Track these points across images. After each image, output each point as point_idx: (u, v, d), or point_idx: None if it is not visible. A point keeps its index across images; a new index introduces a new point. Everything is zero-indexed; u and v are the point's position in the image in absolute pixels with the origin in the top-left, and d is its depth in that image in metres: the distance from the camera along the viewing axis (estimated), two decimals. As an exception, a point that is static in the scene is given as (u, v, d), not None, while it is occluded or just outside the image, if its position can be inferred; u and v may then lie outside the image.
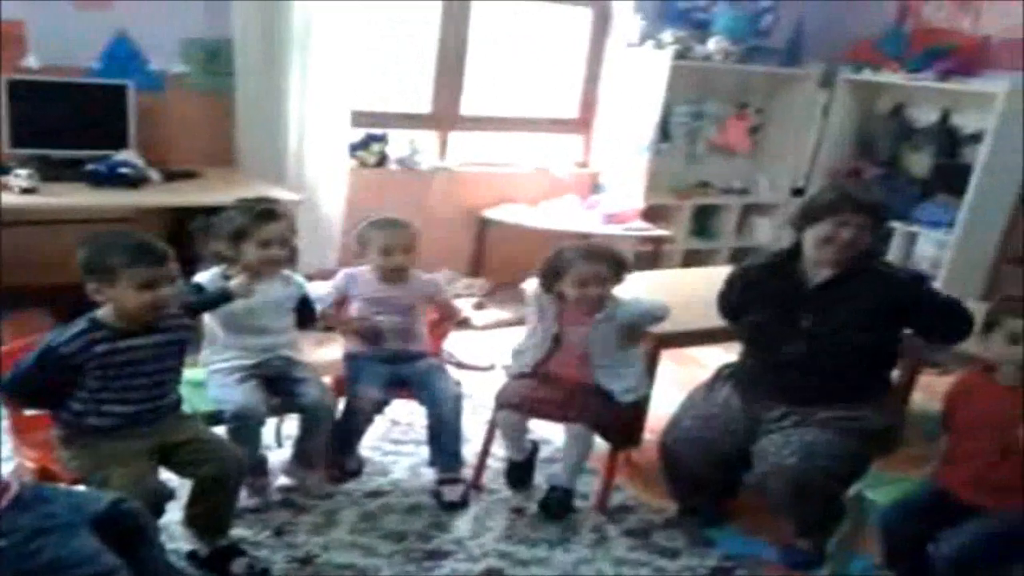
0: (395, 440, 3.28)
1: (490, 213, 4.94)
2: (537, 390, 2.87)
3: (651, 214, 5.05)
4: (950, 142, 5.14)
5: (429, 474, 3.02)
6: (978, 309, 2.56)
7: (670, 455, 2.85)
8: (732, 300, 2.84)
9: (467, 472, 3.01)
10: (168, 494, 2.28)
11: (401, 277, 2.98)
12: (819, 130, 5.60)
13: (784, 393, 2.65)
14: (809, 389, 2.62)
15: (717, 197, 5.58)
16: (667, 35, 5.00)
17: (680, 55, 4.94)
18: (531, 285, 2.93)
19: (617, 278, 2.83)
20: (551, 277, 2.82)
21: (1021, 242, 4.89)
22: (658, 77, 4.91)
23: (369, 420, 2.95)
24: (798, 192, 5.61)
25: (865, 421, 2.59)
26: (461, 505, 2.87)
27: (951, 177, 4.95)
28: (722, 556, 2.74)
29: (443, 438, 2.93)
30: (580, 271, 2.75)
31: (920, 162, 5.21)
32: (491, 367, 3.91)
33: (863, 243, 2.55)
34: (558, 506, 2.86)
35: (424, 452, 3.06)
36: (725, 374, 2.88)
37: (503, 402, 2.90)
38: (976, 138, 4.98)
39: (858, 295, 2.56)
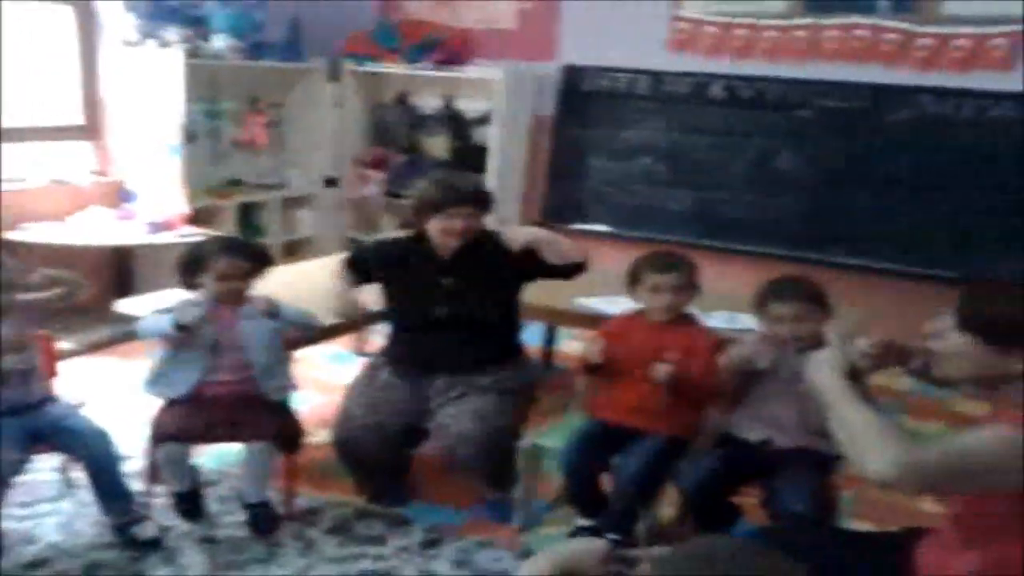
0: (21, 503, 2.92)
1: (11, 235, 4.40)
2: (197, 415, 2.80)
3: (195, 217, 4.96)
4: (459, 125, 5.86)
5: (88, 528, 2.83)
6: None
7: (345, 447, 3.00)
8: (367, 258, 3.12)
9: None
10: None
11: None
12: (337, 121, 5.94)
13: (441, 361, 2.98)
14: (462, 355, 2.96)
15: (254, 194, 5.65)
16: (171, 33, 4.93)
17: (192, 53, 4.92)
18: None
19: (258, 271, 2.89)
20: (191, 271, 2.83)
21: (537, 208, 5.79)
22: (171, 76, 4.85)
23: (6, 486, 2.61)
24: (331, 182, 5.94)
25: (515, 379, 3.03)
26: (158, 541, 2.76)
27: (469, 157, 5.65)
28: (425, 529, 2.97)
29: (107, 480, 2.74)
30: (220, 265, 2.79)
31: (437, 145, 5.86)
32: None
33: (477, 226, 2.93)
34: (266, 521, 2.86)
35: (66, 506, 2.90)
36: (381, 359, 3.12)
37: (162, 435, 2.79)
38: (481, 121, 5.76)
39: (485, 259, 2.94)
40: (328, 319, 3.15)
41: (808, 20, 4.96)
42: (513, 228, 3.05)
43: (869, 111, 4.82)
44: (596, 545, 1.39)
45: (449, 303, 2.95)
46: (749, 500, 2.64)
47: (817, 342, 2.57)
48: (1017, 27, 4.45)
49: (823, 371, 1.79)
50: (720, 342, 2.83)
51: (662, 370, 2.66)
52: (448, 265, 2.96)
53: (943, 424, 4.01)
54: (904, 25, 4.72)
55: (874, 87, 4.81)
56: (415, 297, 3.01)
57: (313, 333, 3.11)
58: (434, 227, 2.90)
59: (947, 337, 1.73)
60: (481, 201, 2.95)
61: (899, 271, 4.83)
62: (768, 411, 2.67)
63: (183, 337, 2.76)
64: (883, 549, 1.94)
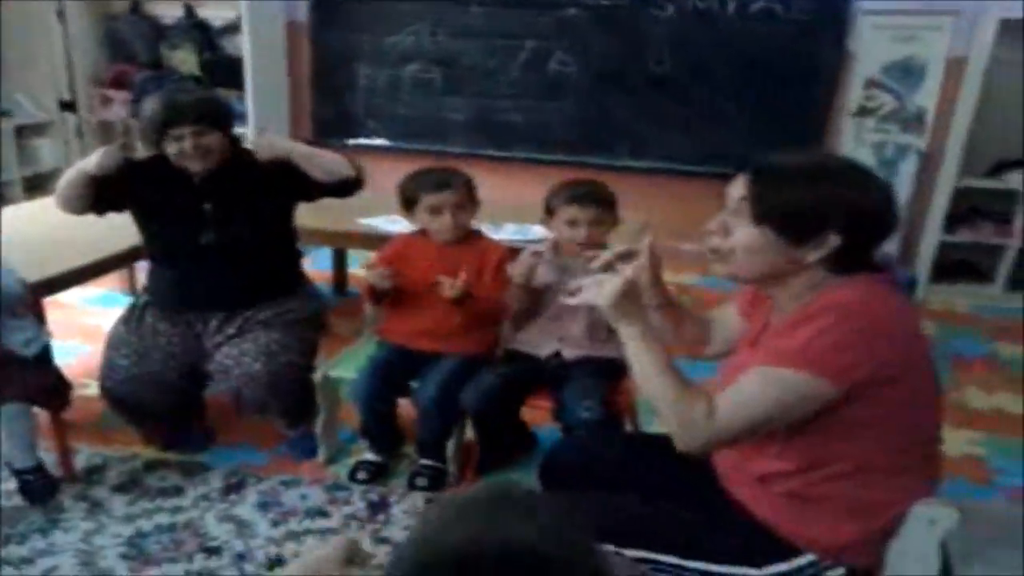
0: None
1: None
2: None
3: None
4: (206, 36, 5.51)
5: None
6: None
7: (118, 400, 2.84)
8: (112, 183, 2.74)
9: None
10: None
11: None
12: (62, 36, 5.43)
13: (214, 296, 2.83)
14: (237, 287, 2.83)
15: (-25, 125, 5.10)
16: None
17: None
18: None
19: None
20: None
21: (306, 125, 5.58)
22: None
23: None
24: (67, 105, 5.45)
25: (300, 311, 2.93)
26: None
27: (222, 71, 5.35)
28: (226, 474, 2.88)
29: None
30: None
31: (185, 59, 5.48)
32: None
33: (211, 144, 2.68)
34: (41, 486, 2.69)
35: None
36: (143, 301, 2.93)
37: None
38: (229, 29, 5.44)
39: (245, 180, 2.79)
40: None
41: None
42: (264, 139, 2.85)
43: (634, 8, 4.94)
44: (334, 546, 1.35)
45: (215, 230, 2.77)
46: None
47: (602, 246, 2.67)
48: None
49: (621, 325, 1.74)
50: (509, 254, 2.82)
51: (448, 285, 2.61)
52: (206, 189, 2.76)
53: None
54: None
55: (636, -19, 4.91)
56: (175, 226, 2.79)
57: (18, 300, 2.70)
58: (169, 150, 2.67)
59: (736, 231, 1.69)
60: (207, 116, 2.70)
61: (675, 169, 5.08)
62: (556, 324, 2.73)
63: None
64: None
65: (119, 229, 2.96)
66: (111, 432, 3.04)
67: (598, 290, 1.74)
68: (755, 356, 1.69)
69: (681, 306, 2.06)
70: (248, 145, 2.85)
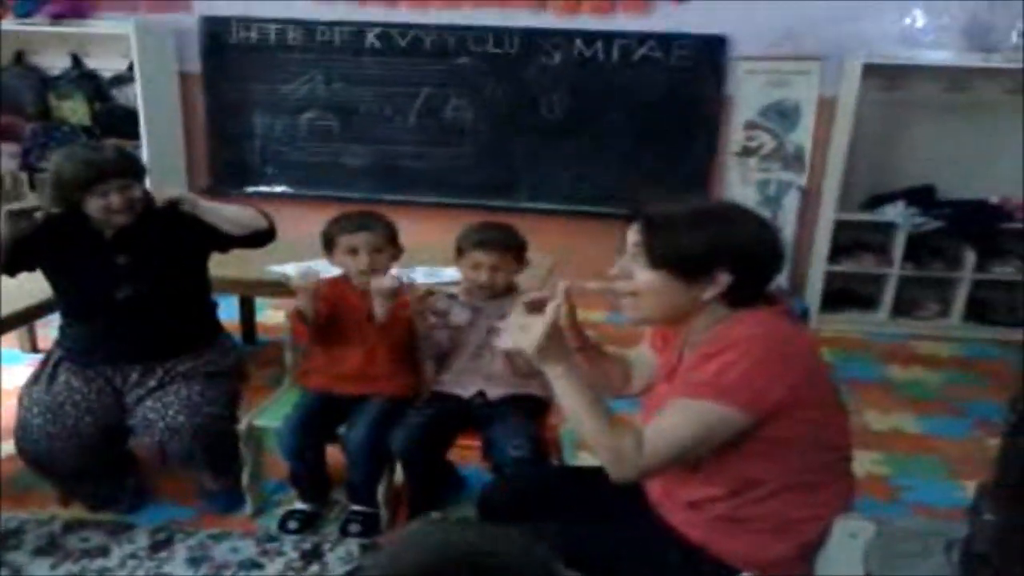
0: None
1: None
2: None
3: None
4: (95, 86, 5.41)
5: None
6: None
7: (36, 460, 2.78)
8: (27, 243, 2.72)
9: None
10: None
11: None
12: (-57, 87, 5.28)
13: (132, 350, 2.81)
14: (156, 340, 2.82)
15: None
16: None
17: None
18: None
19: None
20: None
21: (204, 174, 5.55)
22: None
23: None
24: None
25: (219, 362, 2.94)
26: None
27: (116, 121, 5.27)
28: (151, 531, 2.85)
29: None
30: None
31: (75, 110, 5.37)
32: None
33: (136, 196, 2.70)
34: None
35: None
36: (55, 357, 2.89)
37: None
38: (120, 80, 5.37)
39: (157, 232, 2.78)
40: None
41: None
42: (185, 199, 2.82)
43: (524, 56, 5.11)
44: None
45: (130, 284, 2.76)
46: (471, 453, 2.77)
47: (510, 290, 2.80)
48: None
49: (547, 367, 1.81)
50: (422, 296, 2.85)
51: (381, 282, 2.66)
52: (119, 243, 2.75)
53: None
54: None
55: (523, 31, 5.09)
56: (90, 281, 2.77)
57: None
58: (91, 208, 2.66)
59: (637, 276, 1.80)
60: (131, 169, 2.72)
61: (572, 210, 5.26)
62: (475, 364, 2.81)
63: None
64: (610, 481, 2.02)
65: (18, 287, 2.91)
66: (25, 494, 2.97)
67: (521, 335, 1.81)
68: (672, 389, 1.81)
69: (599, 346, 2.15)
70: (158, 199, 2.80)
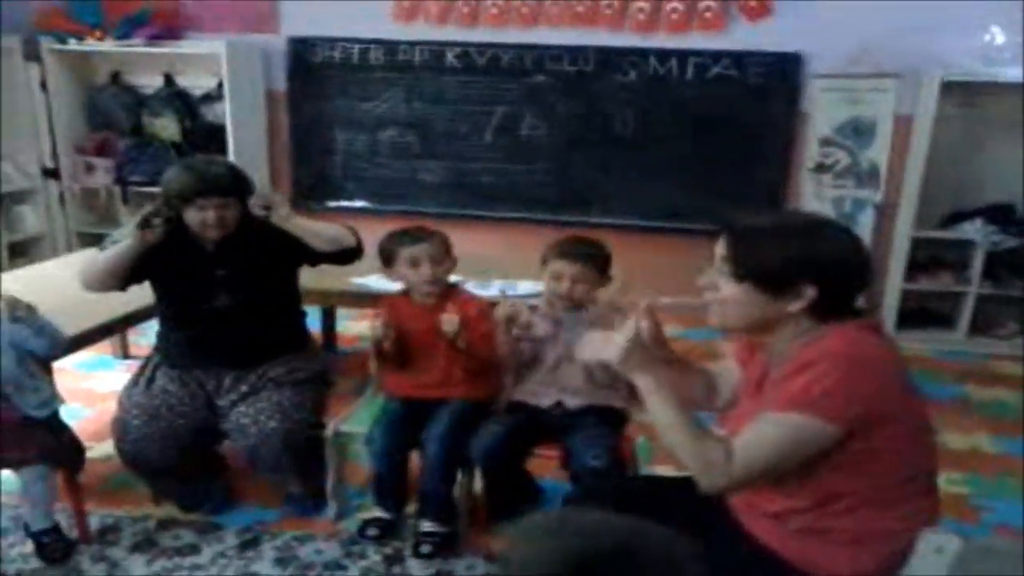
0: None
1: None
2: None
3: None
4: (186, 104, 5.55)
5: None
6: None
7: (133, 460, 2.85)
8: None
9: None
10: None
11: None
12: (45, 106, 5.46)
13: (227, 356, 2.88)
14: (249, 347, 2.89)
15: (-37, 193, 5.12)
16: None
17: None
18: None
19: None
20: None
21: (287, 188, 5.63)
22: None
23: None
24: (50, 173, 5.48)
25: (308, 369, 2.99)
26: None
27: (204, 138, 5.40)
28: (238, 531, 2.90)
29: None
30: None
31: (166, 127, 5.51)
32: None
33: (234, 215, 2.78)
34: (57, 548, 2.72)
35: None
36: (153, 362, 2.96)
37: None
38: (210, 98, 5.51)
39: (254, 246, 2.85)
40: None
41: (530, -13, 5.14)
42: (281, 214, 2.85)
43: (599, 74, 5.11)
44: None
45: (227, 294, 2.84)
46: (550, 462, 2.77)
47: (591, 303, 2.79)
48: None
49: (635, 378, 1.83)
50: (491, 306, 2.87)
51: (446, 321, 2.68)
52: (219, 255, 2.83)
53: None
54: (619, -9, 5.02)
55: (599, 50, 5.09)
56: (191, 291, 2.85)
57: (56, 351, 2.79)
58: (190, 219, 2.74)
59: (722, 288, 1.81)
60: (234, 189, 2.80)
61: (645, 226, 5.22)
62: (555, 376, 2.80)
63: None
64: (690, 491, 2.00)
65: (114, 297, 2.96)
66: (120, 493, 3.04)
67: (603, 347, 1.83)
68: (759, 403, 1.80)
69: (686, 360, 2.14)
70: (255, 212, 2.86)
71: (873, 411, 1.67)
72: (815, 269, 1.73)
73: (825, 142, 4.96)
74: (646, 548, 1.01)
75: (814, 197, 4.99)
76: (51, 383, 2.80)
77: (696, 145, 5.10)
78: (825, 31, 4.81)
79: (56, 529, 2.73)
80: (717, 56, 4.95)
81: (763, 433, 1.72)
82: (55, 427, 2.75)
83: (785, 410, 1.69)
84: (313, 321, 4.27)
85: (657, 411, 1.81)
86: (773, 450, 1.71)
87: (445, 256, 2.85)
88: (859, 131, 4.91)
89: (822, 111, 4.93)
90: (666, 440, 1.81)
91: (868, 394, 1.67)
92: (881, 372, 1.72)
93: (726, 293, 1.81)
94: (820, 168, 4.97)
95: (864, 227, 4.89)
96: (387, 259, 2.86)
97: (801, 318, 1.78)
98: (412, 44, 5.31)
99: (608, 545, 1.00)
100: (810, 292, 1.73)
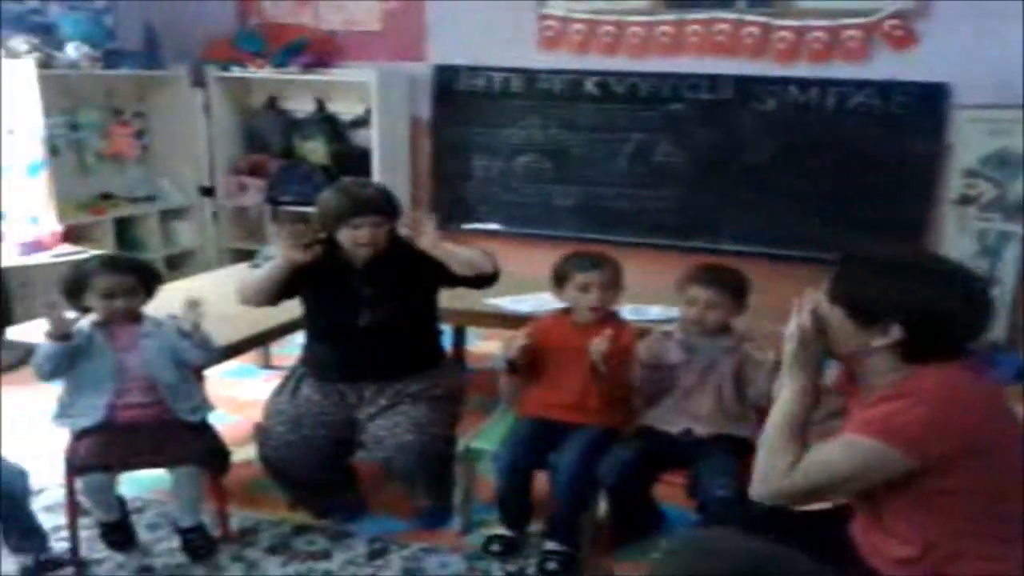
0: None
1: None
2: (114, 442, 2.72)
3: (70, 235, 4.76)
4: (335, 129, 5.77)
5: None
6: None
7: (274, 466, 2.96)
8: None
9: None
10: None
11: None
12: (206, 128, 5.77)
13: (367, 369, 2.96)
14: (390, 363, 2.97)
15: (129, 207, 5.46)
16: (19, 42, 4.70)
17: (44, 63, 4.72)
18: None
19: (144, 287, 2.82)
20: (74, 292, 2.73)
21: (426, 211, 5.73)
22: (24, 89, 4.62)
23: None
24: (207, 191, 5.78)
25: (444, 386, 3.05)
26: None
27: (350, 161, 5.59)
28: (368, 540, 2.96)
29: (21, 518, 2.67)
30: (102, 284, 2.72)
31: (315, 150, 5.73)
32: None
33: (384, 235, 2.89)
34: (203, 545, 2.84)
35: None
36: (298, 373, 3.07)
37: (81, 465, 2.72)
38: (357, 123, 5.71)
39: (399, 266, 2.93)
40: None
41: (671, 16, 5.11)
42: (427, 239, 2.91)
43: (737, 102, 5.05)
44: None
45: (373, 310, 2.92)
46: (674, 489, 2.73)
47: (725, 330, 2.76)
48: (870, 19, 4.75)
49: (792, 372, 1.86)
50: (638, 335, 2.91)
51: (597, 343, 2.68)
52: (367, 272, 2.92)
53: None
54: (762, 19, 4.95)
55: (739, 78, 5.02)
56: (338, 307, 2.95)
57: (209, 360, 2.97)
58: (343, 237, 2.86)
59: (821, 305, 1.84)
60: (387, 210, 2.91)
61: (778, 255, 5.07)
62: (685, 402, 2.78)
63: (69, 349, 2.66)
64: (817, 525, 2.02)
65: (261, 311, 3.08)
66: (260, 497, 3.15)
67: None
68: (845, 426, 1.80)
69: None
70: (402, 233, 2.94)
71: (957, 447, 1.66)
72: (904, 312, 1.74)
73: (969, 173, 4.75)
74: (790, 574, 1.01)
75: (957, 230, 4.77)
76: (203, 390, 2.95)
77: (835, 175, 4.95)
78: (971, 61, 4.62)
79: (201, 527, 2.85)
80: (860, 85, 4.81)
81: (833, 452, 1.75)
82: (205, 431, 2.89)
83: (859, 433, 1.71)
84: (445, 339, 4.36)
85: (777, 409, 1.85)
86: (837, 470, 1.74)
87: (614, 284, 2.89)
88: (1005, 163, 4.68)
89: (966, 142, 4.73)
90: (764, 435, 1.85)
91: (950, 431, 1.66)
92: (967, 411, 1.70)
93: (822, 310, 1.84)
94: (964, 200, 4.76)
95: (1008, 261, 4.65)
96: (559, 280, 2.91)
97: (888, 355, 1.78)
98: (553, 72, 5.36)
99: (748, 568, 1.01)
100: (896, 331, 1.74)
